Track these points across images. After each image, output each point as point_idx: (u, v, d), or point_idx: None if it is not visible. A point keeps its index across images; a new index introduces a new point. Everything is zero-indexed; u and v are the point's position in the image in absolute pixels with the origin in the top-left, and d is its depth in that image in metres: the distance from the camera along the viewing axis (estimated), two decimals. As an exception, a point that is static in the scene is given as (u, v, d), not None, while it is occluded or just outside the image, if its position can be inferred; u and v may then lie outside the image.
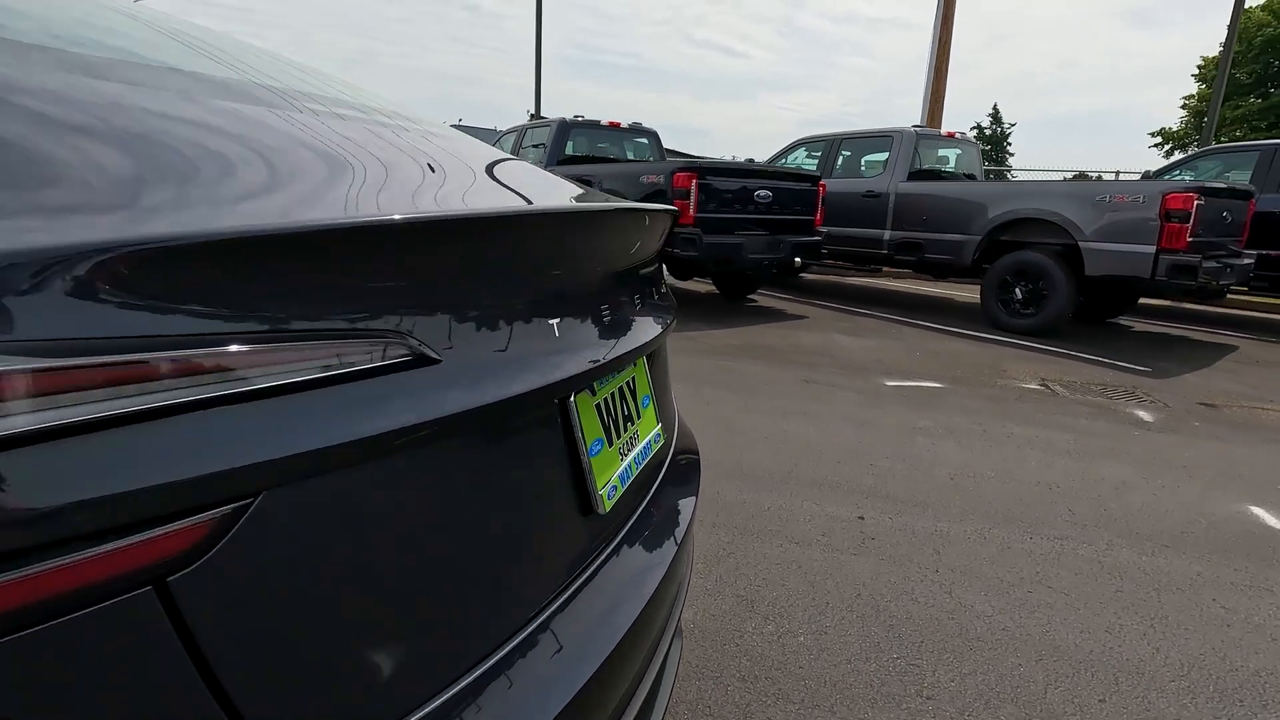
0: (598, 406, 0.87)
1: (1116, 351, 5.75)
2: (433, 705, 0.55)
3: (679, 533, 1.02)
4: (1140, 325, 7.19)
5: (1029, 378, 4.86)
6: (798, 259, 6.70)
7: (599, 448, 0.84)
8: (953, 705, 1.67)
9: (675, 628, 1.05)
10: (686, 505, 1.11)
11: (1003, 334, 6.21)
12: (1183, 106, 28.06)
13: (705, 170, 6.06)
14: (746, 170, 6.46)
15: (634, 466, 0.95)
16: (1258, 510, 2.82)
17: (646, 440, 1.03)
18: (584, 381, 0.80)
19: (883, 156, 7.50)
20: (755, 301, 7.82)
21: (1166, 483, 3.07)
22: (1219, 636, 1.97)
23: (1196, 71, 26.91)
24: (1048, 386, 4.67)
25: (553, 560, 0.76)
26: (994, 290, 6.37)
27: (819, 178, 6.82)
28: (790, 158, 8.65)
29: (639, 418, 1.02)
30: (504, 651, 0.64)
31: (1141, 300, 7.54)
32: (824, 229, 6.89)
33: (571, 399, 0.79)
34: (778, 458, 3.17)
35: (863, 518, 2.62)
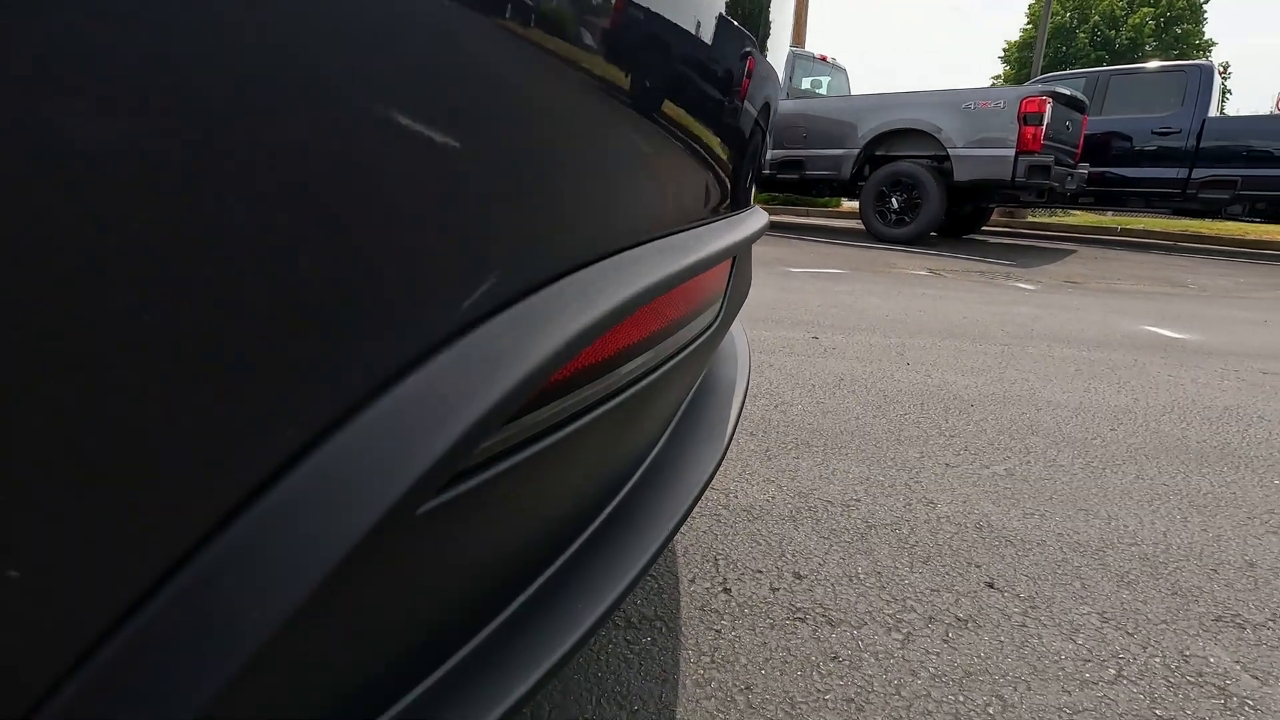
0: None
1: (982, 254, 6.16)
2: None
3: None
4: (994, 240, 7.81)
5: (917, 268, 5.04)
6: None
7: None
8: (978, 439, 1.51)
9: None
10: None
11: (883, 245, 6.46)
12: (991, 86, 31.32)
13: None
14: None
15: None
16: (1154, 329, 3.00)
17: None
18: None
19: (760, 79, 7.49)
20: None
21: (1070, 317, 3.21)
22: (1180, 391, 1.99)
23: (1002, 54, 30.14)
24: (935, 273, 4.86)
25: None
26: (872, 201, 6.58)
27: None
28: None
29: None
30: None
31: (987, 225, 8.21)
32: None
33: None
34: (712, 306, 2.96)
35: (816, 338, 2.47)
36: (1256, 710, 0.75)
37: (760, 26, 0.56)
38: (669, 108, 0.39)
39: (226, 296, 0.20)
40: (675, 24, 0.39)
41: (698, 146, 0.44)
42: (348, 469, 0.23)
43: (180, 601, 0.20)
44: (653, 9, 0.36)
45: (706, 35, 0.45)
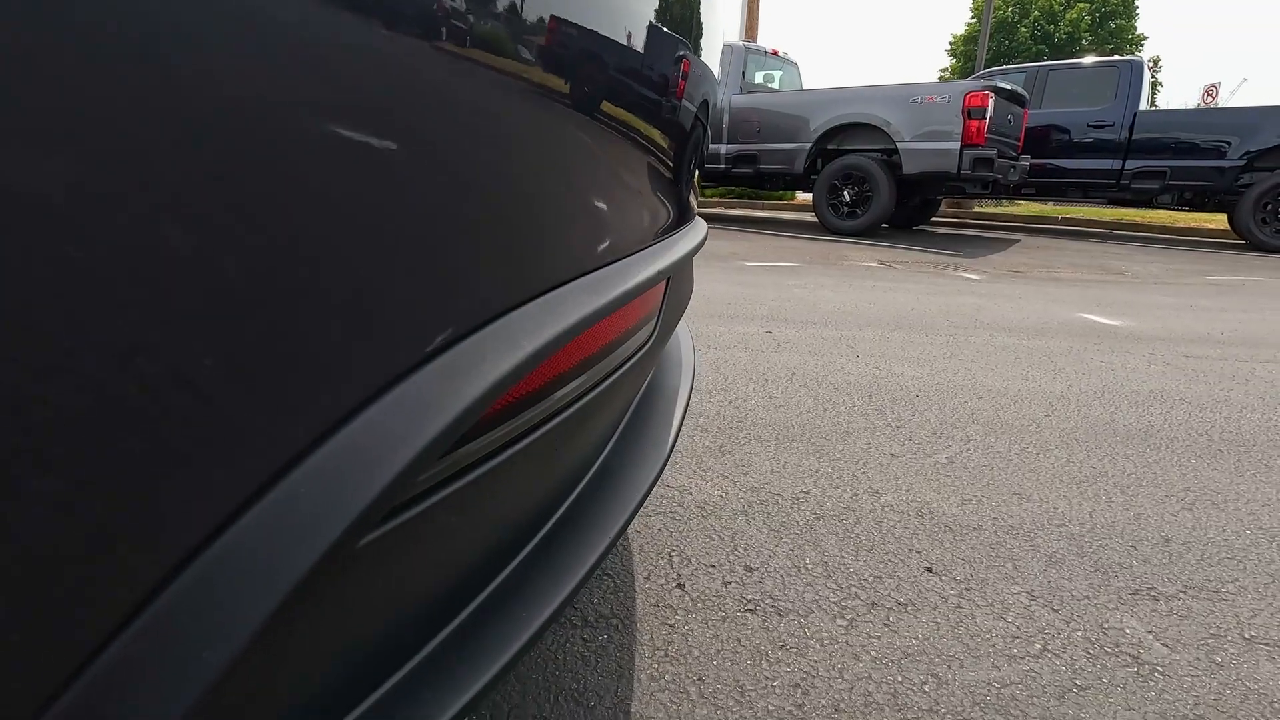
0: None
1: (931, 244, 6.34)
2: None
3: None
4: (942, 230, 8.04)
5: (868, 260, 5.17)
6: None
7: None
8: (922, 429, 1.58)
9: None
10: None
11: (835, 237, 6.59)
12: (939, 79, 32.03)
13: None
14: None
15: None
16: (1089, 316, 3.15)
17: None
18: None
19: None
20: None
21: (1012, 306, 3.34)
22: (1111, 376, 2.10)
23: (949, 48, 30.87)
24: (886, 264, 4.98)
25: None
26: (824, 195, 6.70)
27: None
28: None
29: None
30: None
31: (935, 216, 8.46)
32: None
33: None
34: (668, 302, 3.00)
35: (770, 332, 2.52)
36: (1165, 675, 0.81)
37: (695, 60, 0.58)
38: (598, 147, 0.41)
39: (175, 354, 0.22)
40: (606, 66, 0.41)
41: (629, 180, 0.47)
42: (293, 512, 0.25)
43: (140, 640, 0.22)
44: (581, 48, 0.38)
45: (638, 72, 0.47)
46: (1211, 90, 18.01)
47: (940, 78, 32.00)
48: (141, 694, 0.22)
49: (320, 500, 0.25)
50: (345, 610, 0.30)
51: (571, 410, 0.43)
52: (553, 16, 0.37)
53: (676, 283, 0.63)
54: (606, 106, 0.46)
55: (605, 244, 0.44)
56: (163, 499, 0.22)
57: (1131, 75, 7.00)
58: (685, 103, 0.63)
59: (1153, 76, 7.81)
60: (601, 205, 0.44)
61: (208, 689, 0.23)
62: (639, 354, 0.53)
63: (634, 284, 0.45)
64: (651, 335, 0.56)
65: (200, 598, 0.23)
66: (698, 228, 0.70)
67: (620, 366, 0.49)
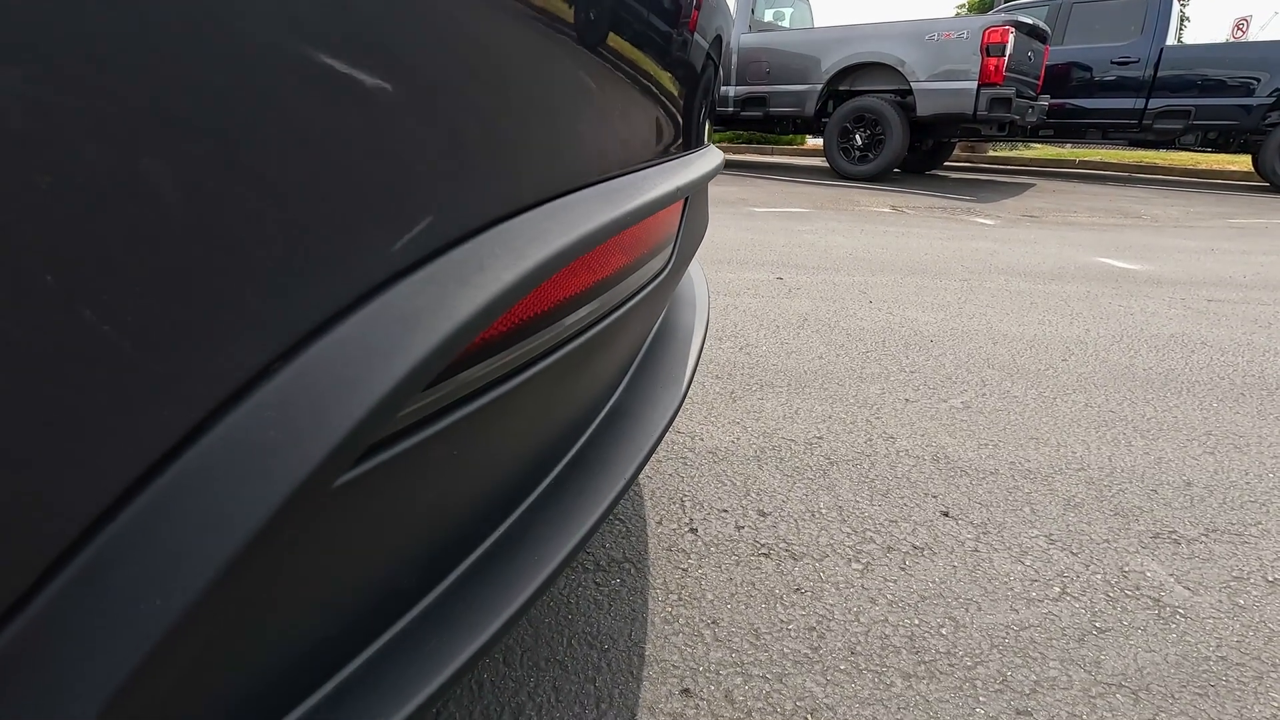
0: None
1: (944, 189, 6.19)
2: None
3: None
4: (955, 175, 7.85)
5: (880, 205, 5.05)
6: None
7: None
8: (936, 374, 1.55)
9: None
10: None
11: (846, 182, 6.44)
12: (955, 14, 30.80)
13: None
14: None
15: None
16: (1106, 260, 3.08)
17: None
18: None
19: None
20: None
21: (1027, 250, 3.27)
22: (1129, 320, 2.06)
23: (966, -18, 29.59)
24: (898, 210, 4.88)
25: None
26: (835, 138, 6.52)
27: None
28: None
29: None
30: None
31: (949, 160, 8.23)
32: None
33: None
34: (676, 249, 2.94)
35: (781, 278, 2.47)
36: (1186, 618, 0.80)
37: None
38: (611, 40, 0.37)
39: (127, 251, 0.19)
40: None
41: (643, 80, 0.42)
42: (252, 443, 0.21)
43: (70, 593, 0.19)
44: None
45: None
46: (1242, 24, 17.22)
47: (957, 13, 30.78)
48: (79, 656, 0.19)
49: (287, 431, 0.22)
50: (321, 565, 0.27)
51: (583, 339, 0.39)
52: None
53: (693, 209, 0.59)
54: (630, 11, 0.41)
55: (619, 153, 0.40)
56: (90, 424, 0.19)
57: (1160, 8, 6.69)
58: (699, 30, 0.58)
59: (1181, 9, 7.46)
60: (615, 112, 0.39)
61: (149, 653, 0.20)
62: (655, 281, 0.49)
63: (651, 197, 0.40)
64: (669, 262, 0.53)
65: (141, 542, 0.20)
66: (713, 154, 0.66)
67: (636, 293, 0.46)
